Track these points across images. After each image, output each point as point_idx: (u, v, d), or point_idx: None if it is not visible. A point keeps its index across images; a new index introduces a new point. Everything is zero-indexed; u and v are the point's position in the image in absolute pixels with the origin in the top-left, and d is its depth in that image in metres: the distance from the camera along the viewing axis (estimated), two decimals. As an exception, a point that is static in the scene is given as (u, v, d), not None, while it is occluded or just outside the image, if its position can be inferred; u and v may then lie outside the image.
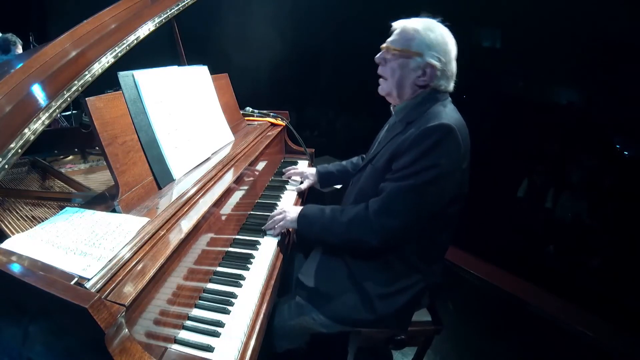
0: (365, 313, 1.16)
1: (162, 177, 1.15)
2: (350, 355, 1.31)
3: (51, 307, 0.67)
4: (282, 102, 2.46)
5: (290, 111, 2.19)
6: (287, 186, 1.77)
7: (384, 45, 1.20)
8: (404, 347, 1.30)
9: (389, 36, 1.20)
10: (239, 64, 2.95)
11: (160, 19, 1.47)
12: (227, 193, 1.25)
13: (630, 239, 2.14)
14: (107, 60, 1.19)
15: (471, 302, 2.35)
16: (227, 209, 1.26)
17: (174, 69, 1.41)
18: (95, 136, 0.98)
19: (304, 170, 1.80)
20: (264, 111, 2.12)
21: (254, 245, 1.28)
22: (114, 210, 0.98)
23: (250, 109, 2.11)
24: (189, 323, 0.93)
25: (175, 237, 0.92)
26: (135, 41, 1.32)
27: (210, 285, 1.08)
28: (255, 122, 2.06)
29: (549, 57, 2.39)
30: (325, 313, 1.18)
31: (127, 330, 0.69)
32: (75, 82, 1.07)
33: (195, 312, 0.98)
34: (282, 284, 1.31)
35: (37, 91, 1.06)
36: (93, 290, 0.70)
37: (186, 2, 1.62)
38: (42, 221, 0.94)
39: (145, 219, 0.93)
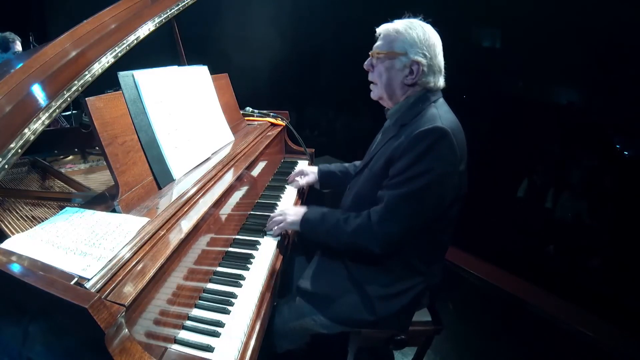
0: (366, 314, 1.16)
1: (162, 177, 1.15)
2: (351, 355, 1.31)
3: (51, 307, 0.67)
4: (282, 102, 2.46)
5: (290, 111, 2.19)
6: (287, 186, 1.76)
7: (371, 52, 1.21)
8: (404, 347, 1.30)
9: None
10: (239, 64, 2.95)
11: (160, 19, 1.47)
12: (227, 193, 1.25)
13: (630, 239, 2.14)
14: (107, 60, 1.19)
15: (471, 302, 2.35)
16: (227, 209, 1.26)
17: (174, 69, 1.41)
18: (95, 136, 0.98)
19: (304, 168, 1.80)
20: (264, 111, 2.12)
21: (254, 245, 1.28)
22: (114, 210, 0.98)
23: (250, 109, 2.11)
24: (189, 323, 0.93)
25: (175, 237, 0.92)
26: (135, 41, 1.32)
27: (210, 285, 1.08)
28: (255, 122, 2.06)
29: (549, 57, 2.39)
30: (325, 315, 1.18)
31: (127, 330, 0.69)
32: (75, 82, 1.07)
33: (195, 312, 0.98)
34: (282, 285, 1.31)
35: (37, 91, 1.06)
36: (93, 290, 0.70)
37: (186, 2, 1.62)
38: (42, 221, 0.94)
39: (145, 219, 0.93)
